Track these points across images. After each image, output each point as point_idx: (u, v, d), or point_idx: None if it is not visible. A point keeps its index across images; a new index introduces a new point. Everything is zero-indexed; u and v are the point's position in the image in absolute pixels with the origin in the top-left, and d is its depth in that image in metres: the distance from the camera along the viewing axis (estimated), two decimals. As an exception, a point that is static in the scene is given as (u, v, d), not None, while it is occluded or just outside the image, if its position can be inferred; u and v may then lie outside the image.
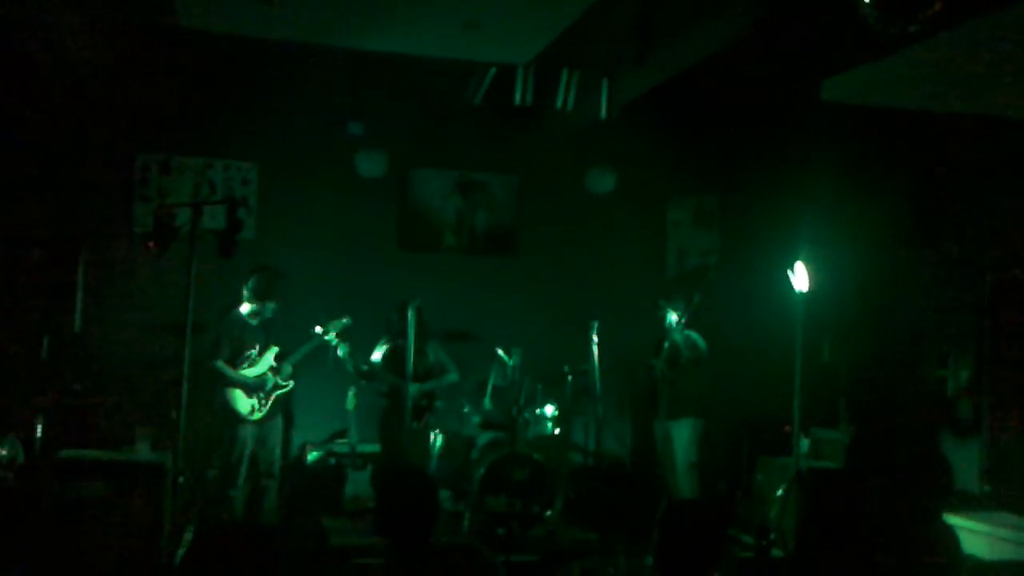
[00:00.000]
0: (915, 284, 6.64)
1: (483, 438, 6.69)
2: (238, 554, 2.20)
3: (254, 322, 6.03)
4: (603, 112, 6.34)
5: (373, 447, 6.62)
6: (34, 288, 6.32)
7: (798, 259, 5.91)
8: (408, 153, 7.71)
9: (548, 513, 6.04)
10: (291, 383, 6.07)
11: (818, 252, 6.11)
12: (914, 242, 6.66)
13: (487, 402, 6.73)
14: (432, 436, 6.62)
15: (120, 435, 5.68)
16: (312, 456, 6.77)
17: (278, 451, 6.05)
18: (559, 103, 6.50)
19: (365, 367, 6.38)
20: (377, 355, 6.48)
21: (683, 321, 6.34)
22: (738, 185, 8.03)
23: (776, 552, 5.15)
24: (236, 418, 5.84)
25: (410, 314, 6.11)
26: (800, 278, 5.87)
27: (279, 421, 6.08)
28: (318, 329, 6.18)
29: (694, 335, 6.40)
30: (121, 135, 7.00)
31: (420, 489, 3.02)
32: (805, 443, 6.14)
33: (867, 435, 6.25)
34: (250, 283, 5.99)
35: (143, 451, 5.41)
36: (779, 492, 5.62)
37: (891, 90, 5.31)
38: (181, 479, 4.89)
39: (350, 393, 6.64)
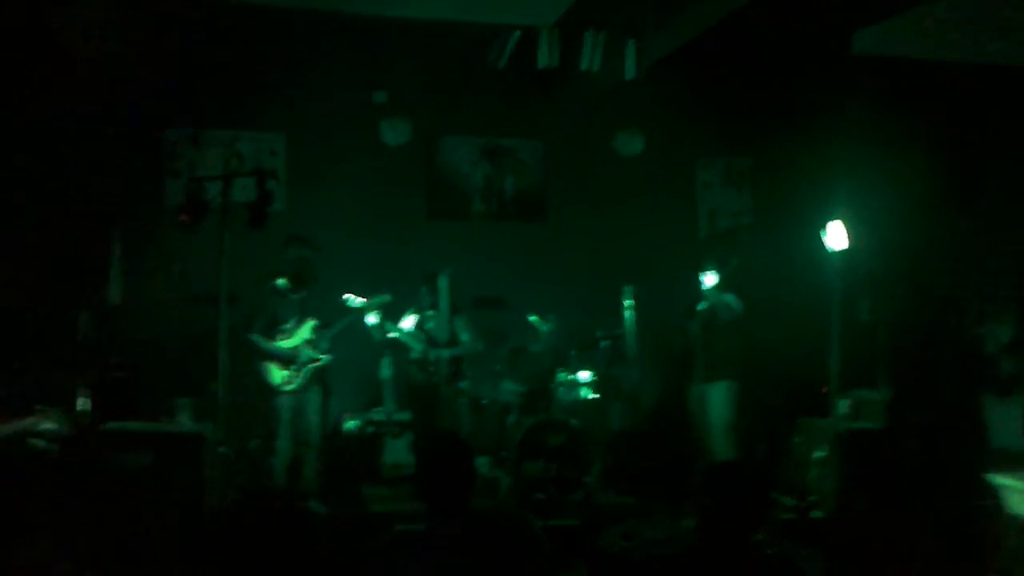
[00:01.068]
0: (954, 241, 6.53)
1: (518, 404, 6.71)
2: (266, 520, 2.21)
3: (291, 296, 6.05)
4: (629, 73, 6.26)
5: (409, 415, 6.66)
6: (70, 265, 6.38)
7: (833, 218, 5.81)
8: (434, 120, 7.68)
9: (586, 478, 6.06)
10: (327, 356, 6.10)
11: (853, 210, 6.01)
12: (952, 198, 6.55)
13: (522, 369, 6.74)
14: (462, 403, 6.64)
15: (161, 407, 5.75)
16: (350, 425, 6.82)
17: (315, 421, 6.09)
18: (584, 65, 6.42)
19: (394, 335, 6.40)
20: (406, 324, 6.50)
21: (720, 283, 6.28)
22: (769, 145, 7.92)
23: (816, 514, 5.14)
24: (272, 389, 5.89)
25: (442, 283, 6.13)
26: (835, 237, 5.78)
27: (316, 392, 6.11)
28: (357, 301, 6.19)
29: (729, 297, 6.34)
30: (149, 110, 7.01)
31: (457, 454, 3.03)
32: (844, 404, 6.09)
33: (907, 395, 6.18)
34: (288, 267, 6.00)
35: (184, 422, 5.47)
36: (818, 454, 5.59)
37: (926, 41, 5.19)
38: (222, 449, 4.96)
39: (384, 362, 6.68)
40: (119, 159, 6.88)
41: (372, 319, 6.22)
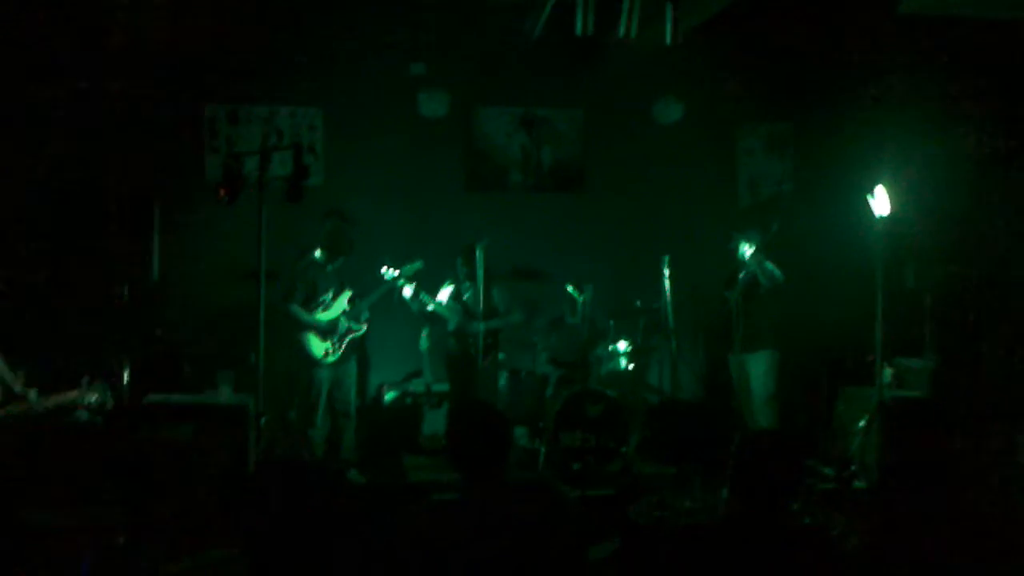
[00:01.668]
0: (1002, 206, 6.34)
1: (556, 375, 6.70)
2: (288, 489, 2.22)
3: (328, 267, 6.09)
4: (668, 39, 6.14)
5: (446, 386, 6.69)
6: (112, 239, 6.47)
7: (877, 183, 5.67)
8: (471, 91, 7.63)
9: (624, 448, 6.04)
10: (364, 327, 6.14)
11: (899, 175, 5.86)
12: (1000, 163, 6.34)
13: (559, 340, 6.72)
14: (499, 374, 6.65)
15: (202, 379, 5.84)
16: (389, 396, 6.87)
17: (353, 392, 6.15)
18: (622, 31, 6.30)
19: (431, 308, 6.41)
20: (443, 296, 6.51)
21: (759, 251, 6.19)
22: (812, 109, 7.73)
23: (858, 484, 5.06)
24: (311, 361, 5.94)
25: (479, 254, 6.12)
26: (880, 202, 5.64)
27: (353, 364, 6.17)
28: (391, 272, 6.22)
29: (770, 265, 6.24)
30: (189, 87, 7.07)
31: (490, 424, 3.02)
32: (888, 373, 5.97)
33: (952, 364, 6.05)
34: (323, 237, 6.04)
35: (225, 394, 5.55)
36: (861, 423, 5.49)
37: (976, -1, 5.00)
38: (263, 420, 5.01)
39: (423, 334, 6.71)
40: (159, 135, 6.96)
41: (408, 291, 6.24)
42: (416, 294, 6.27)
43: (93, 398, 5.13)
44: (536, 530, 2.89)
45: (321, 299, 6.03)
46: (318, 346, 5.96)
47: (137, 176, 6.81)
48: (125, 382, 5.35)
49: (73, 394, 5.19)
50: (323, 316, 6.01)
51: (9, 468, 4.42)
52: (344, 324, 6.05)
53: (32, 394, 5.13)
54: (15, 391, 5.12)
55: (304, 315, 5.95)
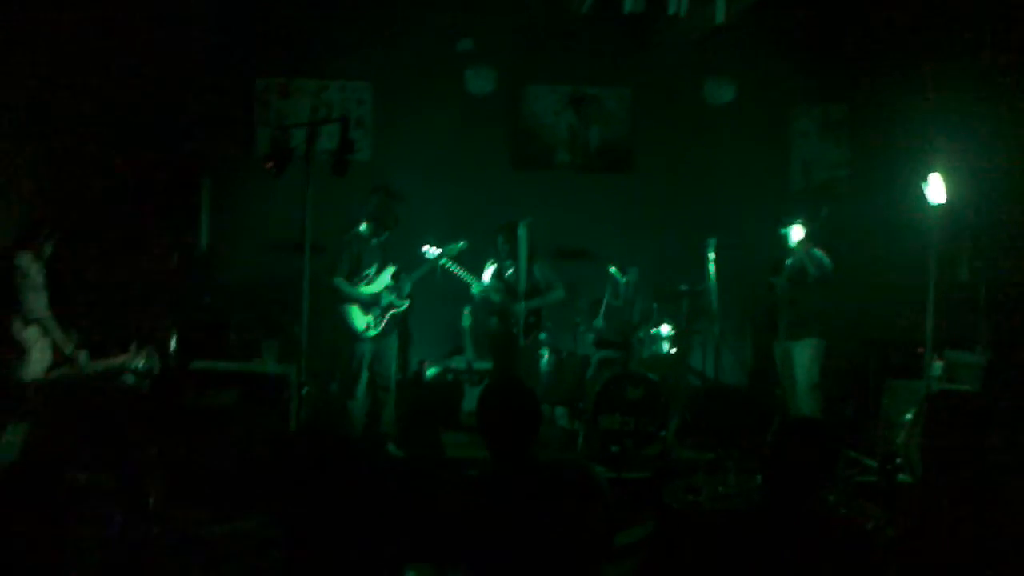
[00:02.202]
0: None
1: (597, 357, 6.68)
2: (321, 458, 2.25)
3: (372, 241, 6.12)
4: (719, 17, 6.02)
5: (489, 364, 6.70)
6: (162, 209, 6.59)
7: (933, 169, 5.52)
8: (519, 69, 7.59)
9: (663, 432, 6.00)
10: (406, 302, 6.16)
11: (956, 163, 5.69)
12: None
13: (601, 321, 6.68)
14: (541, 353, 6.63)
15: (247, 348, 5.93)
16: (430, 372, 6.92)
17: (394, 367, 6.18)
18: (672, 9, 6.18)
19: (474, 291, 6.41)
20: (486, 276, 6.51)
21: (808, 238, 6.07)
22: (869, 91, 7.54)
23: (903, 478, 4.96)
24: (353, 334, 5.98)
25: (522, 232, 6.10)
26: (935, 190, 5.49)
27: (394, 338, 6.19)
28: (433, 251, 6.23)
29: (818, 252, 6.13)
30: (240, 60, 7.14)
31: (518, 402, 3.01)
32: (938, 366, 5.84)
33: (1006, 358, 5.89)
34: (368, 212, 6.07)
35: (269, 363, 5.64)
36: (907, 416, 5.38)
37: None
38: (304, 391, 5.07)
39: (465, 311, 6.73)
40: (211, 108, 7.05)
41: (453, 270, 6.24)
42: (457, 272, 6.27)
43: (141, 363, 5.27)
44: (564, 508, 2.89)
45: (365, 273, 6.06)
46: (360, 319, 6.00)
47: (189, 148, 6.92)
48: (172, 348, 5.46)
49: (122, 358, 5.34)
50: (366, 290, 6.05)
51: (57, 429, 4.55)
52: (386, 298, 6.08)
53: (83, 357, 5.28)
54: (66, 353, 5.27)
55: (348, 288, 5.99)
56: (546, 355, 6.70)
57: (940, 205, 5.49)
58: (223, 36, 6.97)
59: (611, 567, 3.31)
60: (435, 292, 6.56)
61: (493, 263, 6.52)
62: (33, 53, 6.30)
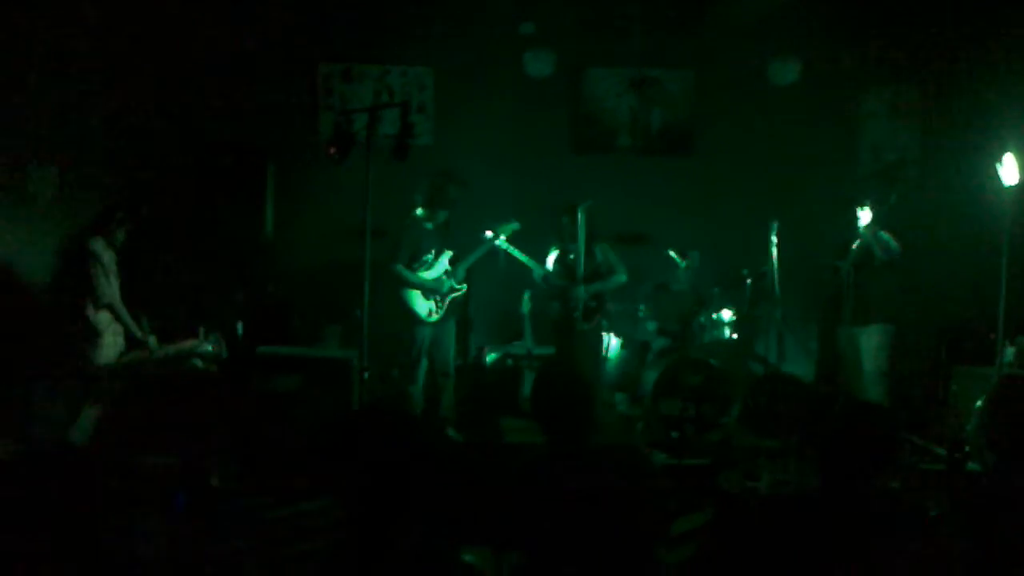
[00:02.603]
0: None
1: (658, 343, 6.63)
2: (381, 437, 2.27)
3: (430, 226, 6.16)
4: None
5: (549, 349, 6.71)
6: (227, 195, 6.72)
7: (1007, 150, 5.33)
8: (580, 52, 7.53)
9: (724, 419, 5.94)
10: (464, 286, 6.20)
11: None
12: None
13: (663, 306, 6.63)
14: (605, 338, 6.61)
15: (310, 333, 6.04)
16: (490, 358, 6.95)
17: (452, 352, 6.23)
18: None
19: (538, 271, 6.41)
20: (550, 260, 6.50)
21: (876, 220, 5.93)
22: (941, 71, 7.30)
23: (972, 466, 4.84)
24: (415, 319, 6.05)
25: (580, 216, 6.07)
26: (1009, 171, 5.31)
27: (453, 323, 6.24)
28: (488, 234, 6.26)
29: (885, 236, 5.98)
30: (304, 46, 7.23)
31: (572, 387, 3.01)
32: (1010, 352, 5.66)
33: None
34: (422, 193, 6.11)
35: (332, 348, 5.73)
36: (977, 403, 5.22)
37: None
38: (366, 375, 5.15)
39: (525, 296, 6.74)
40: (275, 93, 7.16)
41: (514, 254, 6.25)
42: (516, 256, 6.28)
43: (208, 348, 5.41)
44: (618, 494, 2.89)
45: (424, 259, 6.11)
46: (421, 305, 6.06)
47: (253, 134, 7.04)
48: (239, 334, 5.59)
49: (190, 343, 5.50)
50: (426, 275, 6.10)
51: (128, 412, 4.70)
52: (447, 284, 6.13)
53: (152, 341, 5.45)
54: (137, 338, 5.45)
55: (408, 275, 6.05)
56: (607, 340, 6.68)
57: (1013, 187, 5.31)
58: (286, 22, 7.06)
59: (668, 553, 3.31)
60: (495, 278, 6.58)
61: (557, 247, 6.51)
62: (101, 47, 6.48)
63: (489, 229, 6.28)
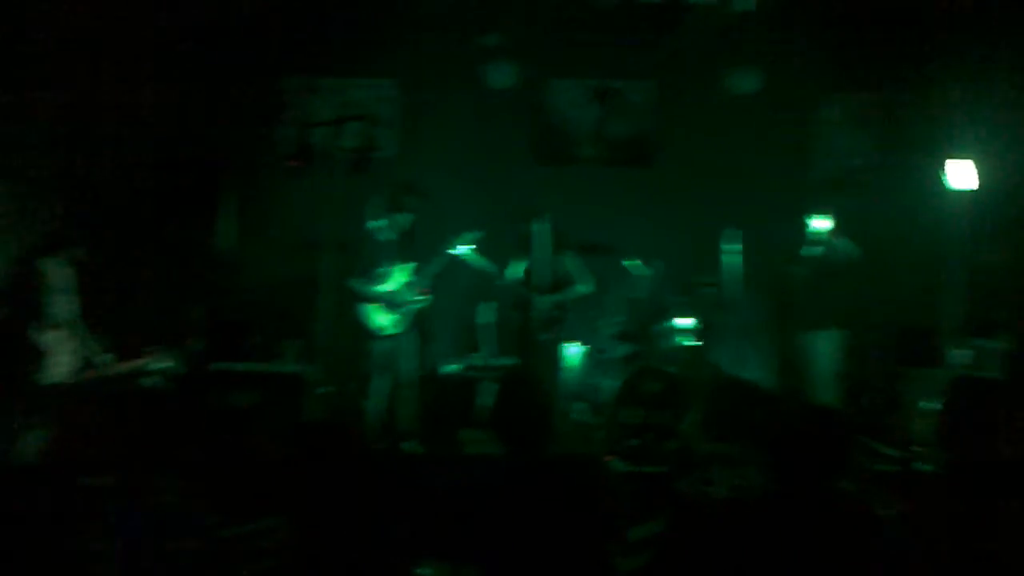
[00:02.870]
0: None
1: (618, 351, 6.65)
2: (327, 451, 2.26)
3: (389, 238, 6.13)
4: (744, 4, 5.95)
5: (508, 360, 6.70)
6: (184, 208, 6.66)
7: (960, 157, 5.43)
8: (542, 63, 7.56)
9: (683, 426, 5.97)
10: (428, 298, 6.17)
11: (981, 149, 5.59)
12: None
13: (623, 315, 6.65)
14: (566, 347, 6.61)
15: (269, 349, 5.98)
16: (448, 370, 6.92)
17: (411, 364, 6.20)
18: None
19: (503, 282, 6.40)
20: (514, 270, 6.50)
21: (833, 228, 6.01)
22: (895, 80, 7.41)
23: (923, 467, 4.90)
24: (373, 333, 6.01)
25: (541, 227, 6.08)
26: (961, 177, 5.40)
27: (414, 336, 6.21)
28: (459, 248, 6.25)
29: (843, 242, 6.07)
30: (265, 58, 7.20)
31: (528, 398, 3.02)
32: (962, 354, 5.74)
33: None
34: (380, 202, 6.08)
35: (289, 363, 5.69)
36: (929, 404, 5.30)
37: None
38: (322, 390, 5.13)
39: (481, 308, 6.73)
40: (234, 107, 7.11)
41: (477, 264, 6.23)
42: (481, 267, 6.27)
43: (163, 365, 5.35)
44: (575, 503, 2.89)
45: (381, 271, 6.08)
46: (379, 318, 6.03)
47: (212, 148, 6.99)
48: (195, 350, 5.53)
49: (144, 361, 5.42)
50: (385, 288, 6.07)
51: (78, 431, 4.63)
52: (404, 296, 6.10)
53: (107, 359, 5.37)
54: (91, 357, 5.37)
55: (365, 288, 6.01)
56: (567, 350, 6.68)
57: (965, 193, 5.40)
58: (247, 35, 7.03)
59: (625, 560, 3.30)
60: (453, 289, 6.56)
61: (521, 257, 6.50)
62: (57, 58, 6.40)
63: (451, 240, 6.26)
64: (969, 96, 6.59)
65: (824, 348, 6.07)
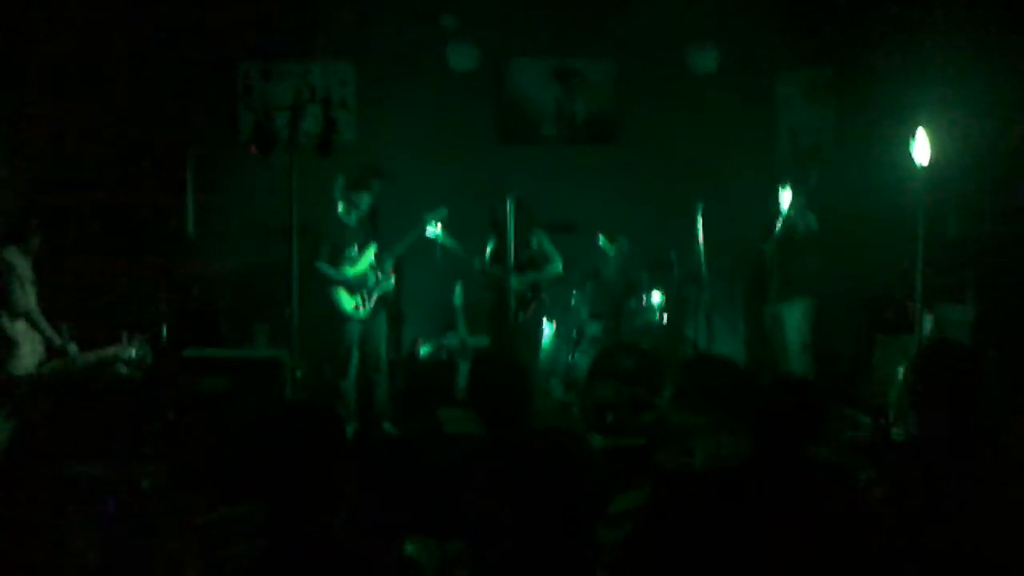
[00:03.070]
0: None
1: (591, 328, 6.68)
2: (299, 432, 2.24)
3: (352, 221, 6.09)
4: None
5: (483, 340, 6.71)
6: (147, 196, 6.56)
7: (920, 129, 5.51)
8: (502, 43, 7.53)
9: (657, 400, 6.02)
10: (392, 279, 6.14)
11: (942, 121, 5.68)
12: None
13: (593, 292, 6.69)
14: (543, 326, 6.63)
15: (239, 334, 5.92)
16: (423, 350, 6.91)
17: (383, 346, 6.18)
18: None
19: (476, 262, 6.39)
20: (487, 250, 6.49)
21: (797, 202, 6.09)
22: (854, 55, 7.49)
23: (895, 433, 5.00)
24: (342, 315, 5.98)
25: (508, 205, 6.07)
26: (922, 149, 5.48)
27: (383, 317, 6.19)
28: (430, 230, 6.23)
29: (809, 217, 6.16)
30: (223, 43, 7.09)
31: (505, 374, 3.03)
32: (928, 321, 5.86)
33: (994, 312, 5.91)
34: (339, 181, 6.04)
35: (261, 348, 5.64)
36: (899, 371, 5.41)
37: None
38: (298, 373, 5.09)
39: (457, 288, 6.72)
40: (194, 93, 7.00)
41: (449, 245, 6.21)
42: (446, 243, 6.25)
43: (132, 353, 5.26)
44: (557, 478, 2.90)
45: (348, 254, 6.04)
46: (347, 301, 6.00)
47: (172, 134, 6.87)
48: (163, 337, 5.45)
49: (113, 349, 5.33)
50: (351, 271, 6.03)
51: (49, 422, 4.55)
52: (372, 278, 6.07)
53: (72, 348, 5.28)
54: (56, 346, 5.27)
55: (331, 271, 5.98)
56: (544, 328, 6.70)
57: (928, 164, 5.48)
58: (204, 19, 6.91)
59: (607, 532, 3.33)
60: (427, 270, 6.54)
61: (493, 237, 6.50)
62: (11, 42, 6.24)
63: (419, 220, 6.23)
64: (929, 68, 6.69)
65: (793, 318, 6.17)
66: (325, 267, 5.96)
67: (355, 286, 6.03)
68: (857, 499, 2.79)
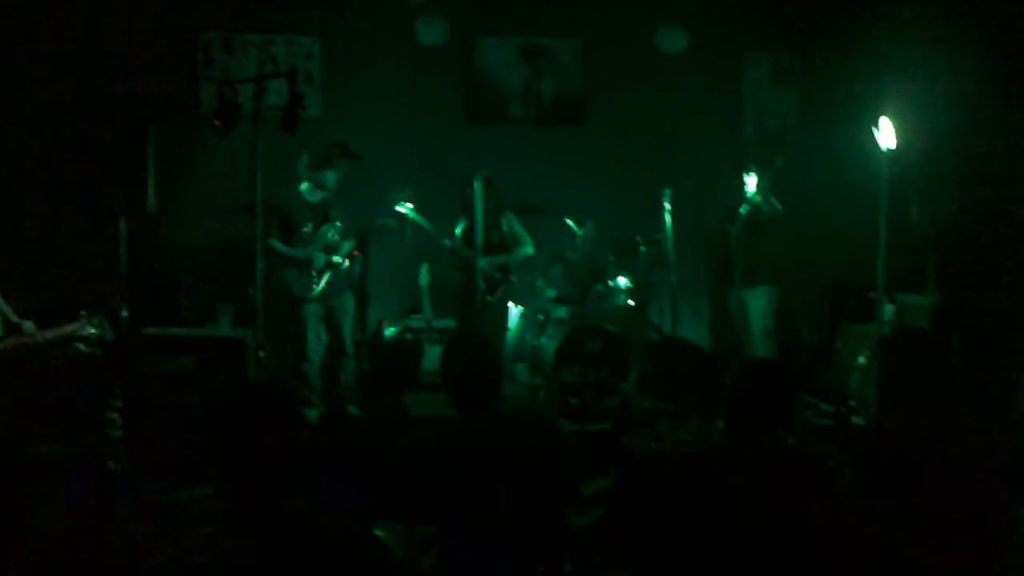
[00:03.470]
0: (1009, 142, 6.23)
1: (557, 312, 6.68)
2: (252, 412, 2.21)
3: (313, 199, 5.97)
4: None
5: (448, 322, 6.68)
6: (106, 170, 6.39)
7: (883, 116, 5.56)
8: (470, 20, 7.45)
9: (623, 384, 6.05)
10: (345, 260, 6.04)
11: (906, 108, 5.74)
12: (1009, 97, 6.22)
13: (559, 275, 6.68)
14: (510, 309, 6.61)
15: (201, 313, 5.82)
16: (389, 332, 6.86)
17: (348, 327, 6.10)
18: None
19: (447, 243, 6.34)
20: (457, 231, 6.44)
21: (762, 186, 6.12)
22: (820, 39, 7.55)
23: (857, 420, 5.07)
24: (292, 296, 5.88)
25: (476, 187, 6.02)
26: (885, 135, 5.54)
27: (346, 298, 6.10)
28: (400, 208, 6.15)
29: (773, 199, 6.20)
30: (184, 14, 6.92)
31: (479, 357, 3.01)
32: (890, 309, 5.94)
33: (955, 300, 6.01)
34: (303, 159, 5.94)
35: (224, 327, 5.54)
36: (861, 360, 5.48)
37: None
38: (261, 354, 5.02)
39: (423, 269, 6.67)
40: (154, 65, 6.84)
41: (420, 224, 6.15)
42: (423, 227, 6.19)
43: (92, 331, 5.13)
44: (530, 459, 2.90)
45: (303, 232, 5.94)
46: (296, 280, 5.89)
47: (132, 107, 6.70)
48: (124, 315, 5.33)
49: (72, 327, 5.19)
50: (302, 250, 5.92)
51: (8, 401, 4.44)
52: (322, 258, 5.95)
53: (28, 326, 5.12)
54: (12, 323, 5.12)
55: (281, 248, 5.86)
56: (512, 311, 6.69)
57: (889, 150, 5.54)
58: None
59: (577, 517, 3.34)
60: (392, 250, 6.48)
61: (463, 218, 6.44)
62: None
63: (387, 199, 6.15)
64: (894, 56, 6.75)
65: (757, 304, 6.22)
66: (276, 243, 5.83)
67: (303, 265, 5.89)
68: (827, 483, 2.82)
